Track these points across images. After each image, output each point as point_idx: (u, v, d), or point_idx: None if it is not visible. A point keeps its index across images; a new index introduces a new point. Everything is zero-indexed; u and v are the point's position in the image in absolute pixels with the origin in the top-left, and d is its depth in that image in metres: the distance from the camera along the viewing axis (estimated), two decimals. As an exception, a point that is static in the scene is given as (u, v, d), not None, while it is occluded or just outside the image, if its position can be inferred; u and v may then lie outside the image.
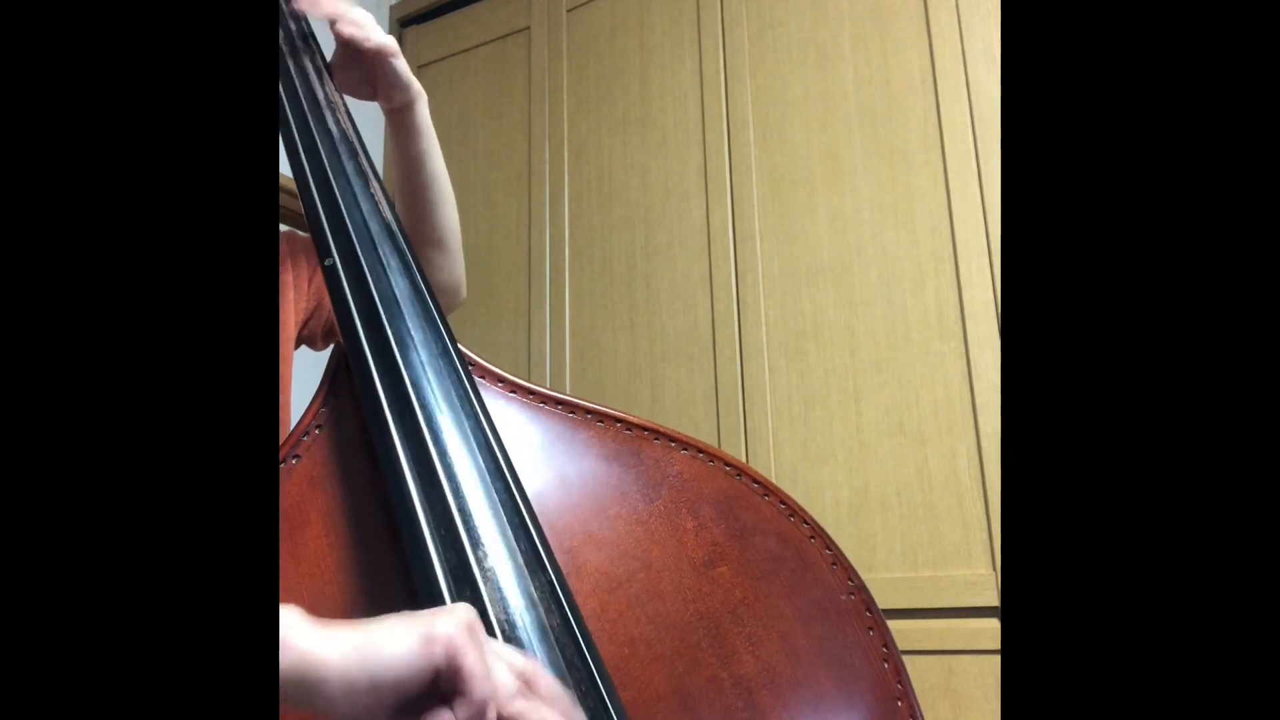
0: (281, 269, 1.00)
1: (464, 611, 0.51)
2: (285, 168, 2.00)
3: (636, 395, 2.07)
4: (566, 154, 2.33)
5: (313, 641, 0.47)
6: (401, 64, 0.98)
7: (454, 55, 2.60)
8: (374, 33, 0.96)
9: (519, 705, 0.50)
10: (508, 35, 2.51)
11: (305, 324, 1.02)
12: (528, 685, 0.52)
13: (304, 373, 0.99)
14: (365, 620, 0.51)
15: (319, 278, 1.03)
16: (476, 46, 2.57)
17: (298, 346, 1.02)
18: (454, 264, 1.10)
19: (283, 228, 1.08)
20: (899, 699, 0.63)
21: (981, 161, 1.78)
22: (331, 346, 1.05)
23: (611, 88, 2.30)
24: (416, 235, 1.05)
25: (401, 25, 2.71)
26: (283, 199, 2.24)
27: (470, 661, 0.48)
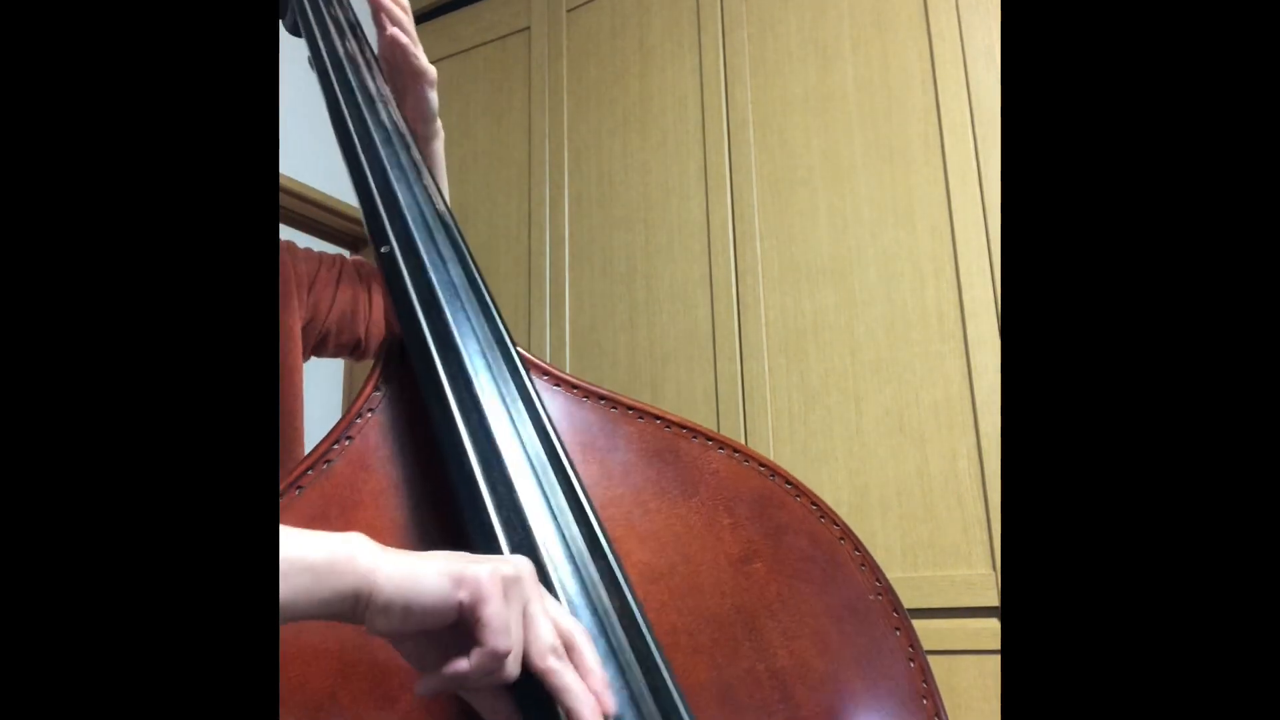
0: (284, 278, 1.00)
1: (510, 564, 0.53)
2: (288, 170, 1.99)
3: (636, 395, 2.07)
4: (566, 154, 2.33)
5: (374, 561, 0.50)
6: (434, 95, 0.99)
7: (454, 55, 2.60)
8: (422, 55, 0.97)
9: (549, 662, 0.52)
10: (508, 35, 2.51)
11: (300, 333, 1.02)
12: (568, 648, 0.54)
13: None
14: (423, 553, 0.53)
15: (315, 291, 1.04)
16: (476, 46, 2.56)
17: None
18: None
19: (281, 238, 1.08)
20: (925, 697, 0.64)
21: (981, 161, 1.79)
22: (313, 358, 1.06)
23: (611, 88, 2.30)
24: None
25: (400, 24, 2.71)
26: (286, 200, 2.23)
27: (489, 611, 0.50)
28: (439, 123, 1.01)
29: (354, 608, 0.50)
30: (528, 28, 2.48)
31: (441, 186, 1.03)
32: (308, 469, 0.66)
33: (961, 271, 1.76)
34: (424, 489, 0.68)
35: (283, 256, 1.02)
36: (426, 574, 0.51)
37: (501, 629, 0.50)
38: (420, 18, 2.69)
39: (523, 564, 0.54)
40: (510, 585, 0.52)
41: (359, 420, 0.70)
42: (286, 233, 2.29)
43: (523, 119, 2.43)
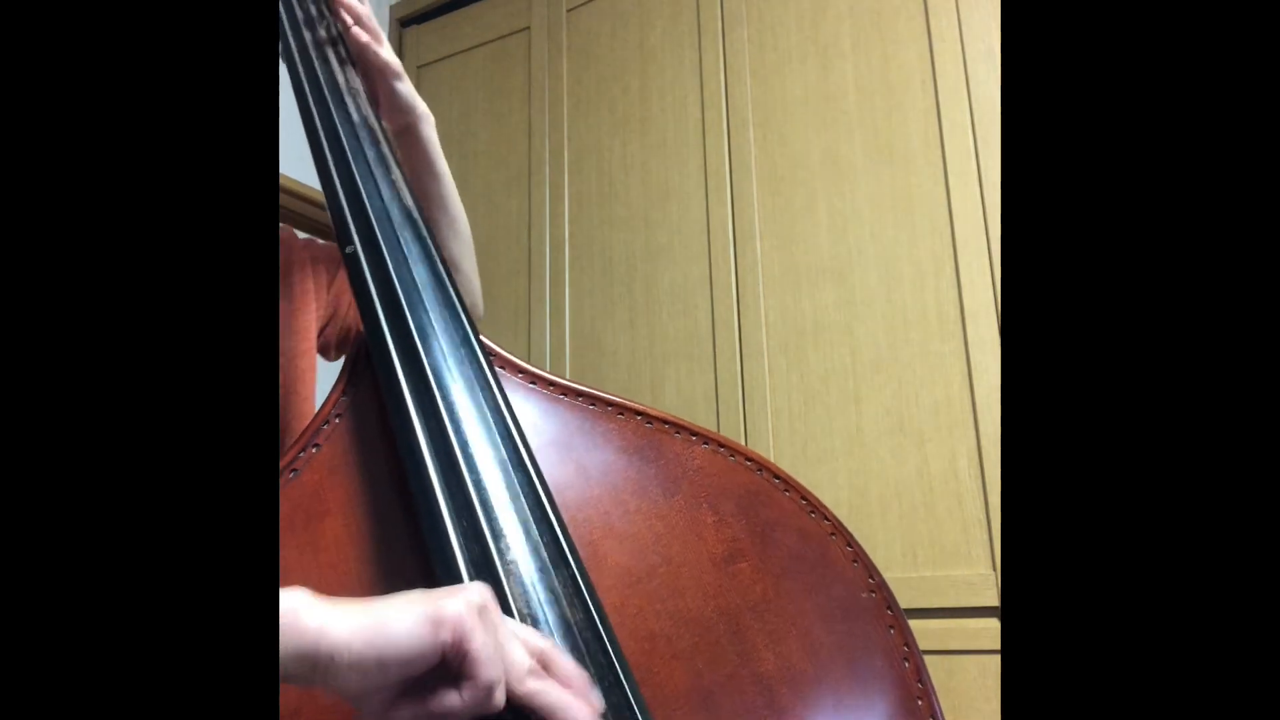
0: (303, 275, 0.99)
1: (476, 591, 0.51)
2: (286, 169, 1.98)
3: (636, 395, 2.06)
4: (566, 154, 2.33)
5: (321, 619, 0.48)
6: (403, 87, 0.98)
7: (454, 55, 2.60)
8: (383, 48, 0.97)
9: (531, 684, 0.51)
10: (508, 35, 2.51)
11: (321, 331, 1.02)
12: (544, 664, 0.53)
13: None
14: (375, 599, 0.51)
15: (336, 285, 1.03)
16: (476, 46, 2.56)
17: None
18: (471, 285, 1.10)
19: (301, 235, 1.08)
20: (919, 698, 0.63)
21: (981, 161, 1.78)
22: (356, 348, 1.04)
23: (611, 88, 2.29)
24: None
25: (401, 25, 2.71)
26: (286, 200, 2.23)
27: (477, 645, 0.48)
28: (422, 107, 1.01)
29: (311, 671, 0.47)
30: (528, 28, 2.47)
31: (433, 173, 1.02)
32: None
33: (961, 271, 1.76)
34: (393, 495, 0.66)
35: (300, 254, 1.01)
36: (399, 621, 0.48)
37: (490, 659, 0.49)
38: (420, 18, 2.69)
39: (485, 589, 0.52)
40: (484, 613, 0.50)
41: (326, 426, 0.69)
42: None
43: (523, 119, 2.42)
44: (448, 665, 0.49)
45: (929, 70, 1.87)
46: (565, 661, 0.53)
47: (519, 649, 0.51)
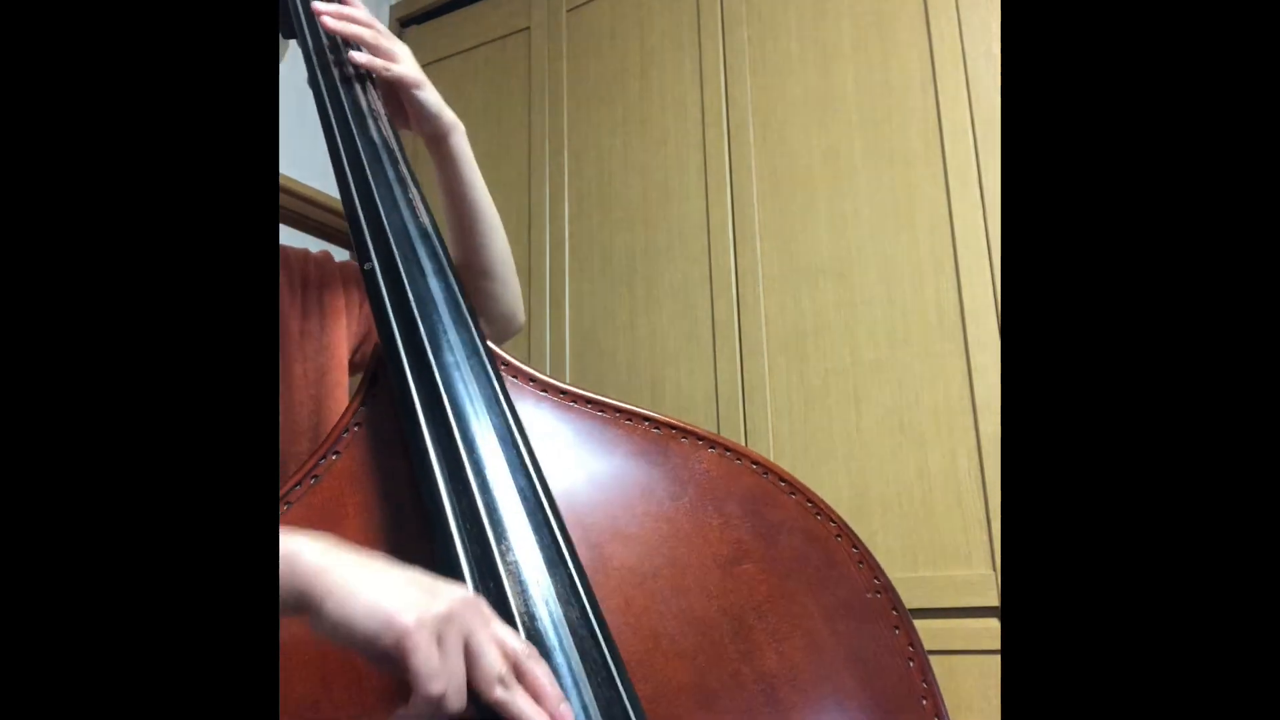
0: (334, 294, 1.01)
1: (443, 601, 0.53)
2: (290, 171, 1.97)
3: (636, 395, 2.06)
4: (566, 154, 2.33)
5: (321, 562, 0.52)
6: (427, 95, 0.97)
7: (454, 55, 2.59)
8: (400, 65, 0.95)
9: (498, 694, 0.52)
10: (508, 35, 2.51)
11: (357, 349, 1.03)
12: (518, 673, 0.54)
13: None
14: (381, 564, 0.54)
15: (369, 305, 1.03)
16: (476, 46, 2.56)
17: (353, 373, 1.02)
18: (506, 291, 1.09)
19: (338, 256, 1.08)
20: (924, 697, 0.63)
21: (981, 161, 1.78)
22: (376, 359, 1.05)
23: (611, 88, 2.29)
24: (465, 266, 1.04)
25: (402, 25, 2.71)
26: (295, 204, 2.23)
27: (416, 662, 0.50)
28: (450, 117, 1.00)
29: (298, 603, 0.51)
30: (528, 28, 2.48)
31: (466, 181, 1.03)
32: (295, 484, 0.67)
33: (961, 272, 1.76)
34: (408, 499, 0.68)
35: (334, 275, 1.03)
36: (365, 607, 0.51)
37: (430, 675, 0.50)
38: (420, 18, 2.69)
39: (461, 595, 0.54)
40: (445, 623, 0.52)
41: (345, 435, 0.71)
42: (292, 236, 2.28)
43: (523, 119, 2.42)
44: (398, 666, 0.51)
45: (929, 71, 1.87)
46: (540, 672, 0.54)
47: (492, 656, 0.53)
